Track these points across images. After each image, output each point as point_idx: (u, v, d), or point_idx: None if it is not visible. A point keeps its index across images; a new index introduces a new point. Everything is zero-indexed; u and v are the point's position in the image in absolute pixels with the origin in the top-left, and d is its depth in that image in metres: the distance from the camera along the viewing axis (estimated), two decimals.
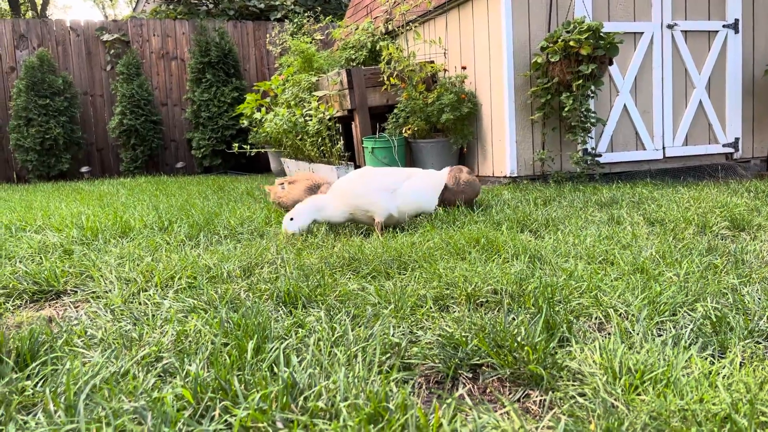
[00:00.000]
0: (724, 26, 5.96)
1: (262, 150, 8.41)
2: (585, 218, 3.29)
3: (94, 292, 2.06)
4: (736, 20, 5.97)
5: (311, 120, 6.62)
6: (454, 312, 1.73)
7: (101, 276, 2.18)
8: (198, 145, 9.52)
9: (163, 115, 9.89)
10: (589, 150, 5.56)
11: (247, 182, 7.17)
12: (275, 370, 1.26)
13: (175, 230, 3.15)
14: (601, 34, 4.93)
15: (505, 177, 5.60)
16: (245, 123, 8.38)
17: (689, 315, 1.57)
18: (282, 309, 1.77)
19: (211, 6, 10.83)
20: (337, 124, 6.64)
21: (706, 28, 5.92)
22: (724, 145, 6.08)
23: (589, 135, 5.34)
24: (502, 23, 5.38)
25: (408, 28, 6.49)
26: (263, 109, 7.94)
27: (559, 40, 4.99)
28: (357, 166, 6.57)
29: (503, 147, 5.57)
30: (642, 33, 5.71)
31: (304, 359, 1.32)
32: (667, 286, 1.78)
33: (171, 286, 2.05)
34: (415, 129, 5.88)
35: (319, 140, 6.67)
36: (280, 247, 2.62)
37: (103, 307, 1.86)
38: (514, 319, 1.56)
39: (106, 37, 9.62)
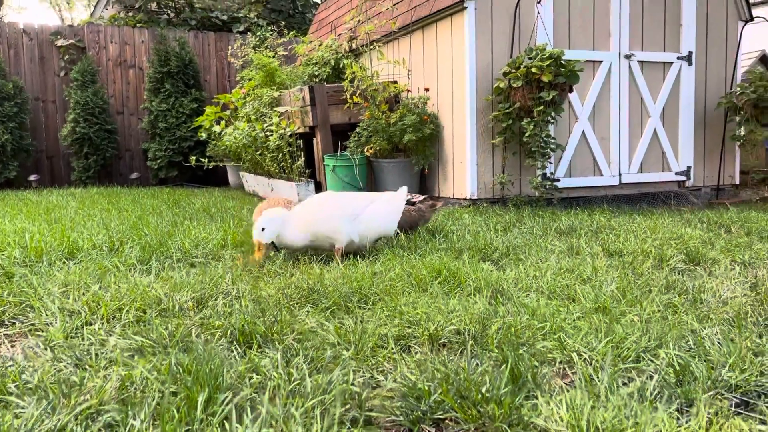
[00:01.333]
0: (678, 58, 6.13)
1: (220, 164, 8.25)
2: (545, 247, 3.30)
3: (33, 325, 1.93)
4: (690, 53, 6.16)
5: (272, 135, 6.52)
6: (417, 353, 1.68)
7: (43, 306, 2.05)
8: (154, 156, 9.28)
9: (118, 124, 9.62)
10: (548, 175, 5.62)
11: (203, 196, 7.00)
12: (227, 426, 1.18)
13: (126, 252, 3.02)
14: (562, 61, 5.00)
15: (465, 199, 5.61)
16: (204, 136, 8.21)
17: (653, 362, 1.56)
18: (236, 348, 1.69)
19: (172, 15, 10.63)
20: (299, 140, 6.56)
21: (661, 60, 6.08)
22: (676, 173, 6.24)
23: (548, 160, 5.40)
24: (466, 47, 5.41)
25: (372, 47, 6.47)
26: (223, 122, 7.80)
27: (522, 66, 5.04)
28: (317, 183, 6.50)
29: (464, 169, 5.59)
30: (601, 62, 5.83)
31: (258, 413, 1.24)
32: (629, 328, 1.77)
33: (119, 319, 1.94)
34: (377, 148, 5.85)
35: (280, 156, 6.57)
36: (236, 276, 2.53)
37: (43, 343, 1.74)
38: (478, 365, 1.51)
39: (60, 42, 9.33)
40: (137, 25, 10.47)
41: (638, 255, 2.99)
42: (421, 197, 3.96)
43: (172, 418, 1.17)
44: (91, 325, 1.89)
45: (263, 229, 2.81)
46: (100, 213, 4.87)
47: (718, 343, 1.69)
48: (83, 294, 2.18)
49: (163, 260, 2.90)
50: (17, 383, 1.42)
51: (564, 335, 1.74)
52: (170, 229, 3.86)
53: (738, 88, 6.01)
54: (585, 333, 1.75)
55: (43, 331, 1.87)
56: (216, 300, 2.15)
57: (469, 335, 1.75)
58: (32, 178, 9.14)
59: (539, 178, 5.45)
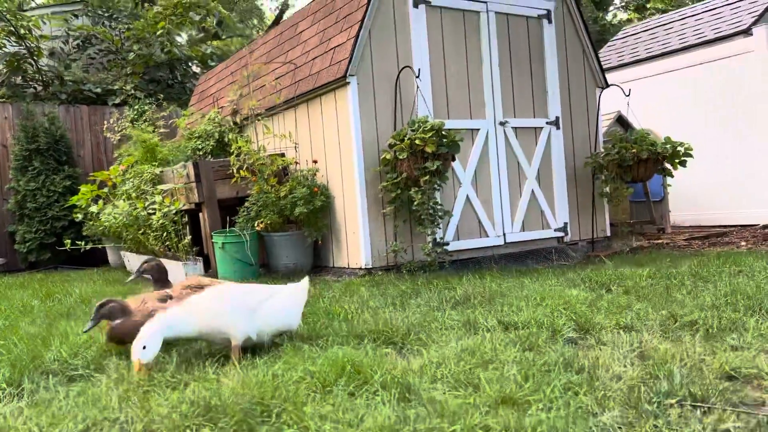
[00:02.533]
0: (547, 123, 6.60)
1: (99, 246, 7.75)
2: (443, 323, 3.33)
3: None
4: (557, 117, 6.65)
5: (155, 214, 6.24)
6: None
7: None
8: (23, 239, 8.57)
9: None
10: (438, 240, 5.76)
11: (82, 282, 6.50)
12: None
13: None
14: (444, 132, 5.20)
15: (360, 269, 5.61)
16: (80, 216, 7.71)
17: None
18: None
19: (39, 89, 10.04)
20: (184, 217, 6.32)
21: (532, 125, 6.52)
22: (555, 230, 6.62)
23: (437, 226, 5.54)
24: (350, 120, 5.51)
25: (257, 120, 6.44)
26: (101, 201, 7.38)
27: (406, 138, 5.19)
28: (206, 261, 6.25)
29: (357, 239, 5.61)
30: (478, 129, 6.14)
31: None
32: (536, 424, 1.79)
33: None
34: (269, 222, 5.75)
35: (164, 235, 6.28)
36: (123, 393, 2.32)
37: None
38: None
39: None
40: None
41: (533, 326, 3.09)
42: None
43: None
44: None
45: (144, 347, 2.53)
46: None
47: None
48: None
49: (37, 378, 2.62)
50: None
51: None
52: (45, 332, 3.51)
53: (603, 150, 6.55)
54: None
55: None
56: (102, 431, 1.95)
57: None
58: None
59: (430, 244, 5.57)
